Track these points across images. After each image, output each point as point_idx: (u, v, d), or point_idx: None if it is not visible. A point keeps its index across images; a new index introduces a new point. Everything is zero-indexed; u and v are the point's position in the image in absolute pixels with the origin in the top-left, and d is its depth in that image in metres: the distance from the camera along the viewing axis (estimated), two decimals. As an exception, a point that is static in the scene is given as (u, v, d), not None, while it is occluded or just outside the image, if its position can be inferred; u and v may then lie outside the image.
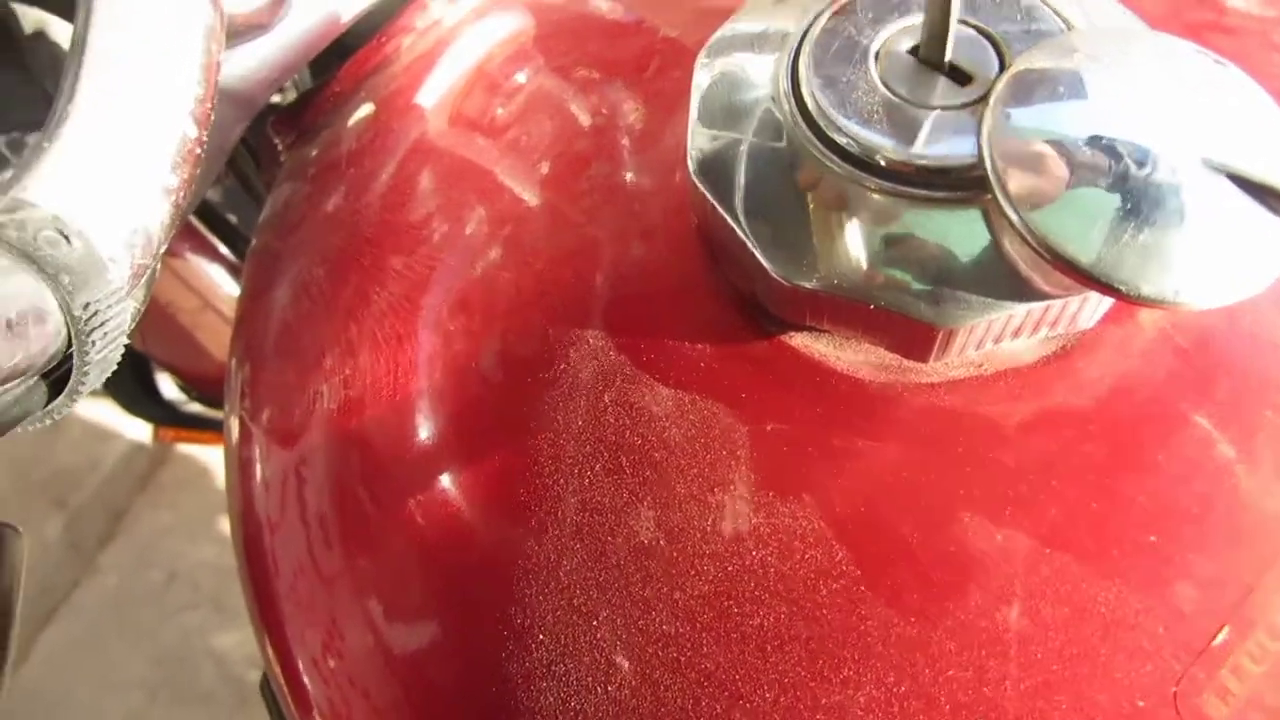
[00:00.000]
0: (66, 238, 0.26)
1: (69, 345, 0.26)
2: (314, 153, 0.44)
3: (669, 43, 0.39)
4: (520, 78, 0.42)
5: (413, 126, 0.41)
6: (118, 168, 0.28)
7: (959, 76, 0.26)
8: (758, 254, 0.26)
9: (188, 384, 0.79)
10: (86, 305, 0.26)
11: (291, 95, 0.53)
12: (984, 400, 0.27)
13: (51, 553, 1.57)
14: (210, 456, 1.63)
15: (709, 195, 0.27)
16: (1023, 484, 0.26)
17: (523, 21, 0.44)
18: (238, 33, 0.40)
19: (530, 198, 0.35)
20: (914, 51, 0.27)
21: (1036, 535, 0.25)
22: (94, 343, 0.26)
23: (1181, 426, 0.26)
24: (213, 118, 0.33)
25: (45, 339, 0.25)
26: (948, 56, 0.26)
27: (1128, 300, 0.22)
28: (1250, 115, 0.24)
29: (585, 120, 0.38)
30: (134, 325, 0.31)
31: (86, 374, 0.27)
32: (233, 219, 0.69)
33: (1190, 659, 0.24)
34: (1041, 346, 0.27)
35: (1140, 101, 0.24)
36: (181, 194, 0.31)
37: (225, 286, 0.65)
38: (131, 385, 0.79)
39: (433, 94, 0.43)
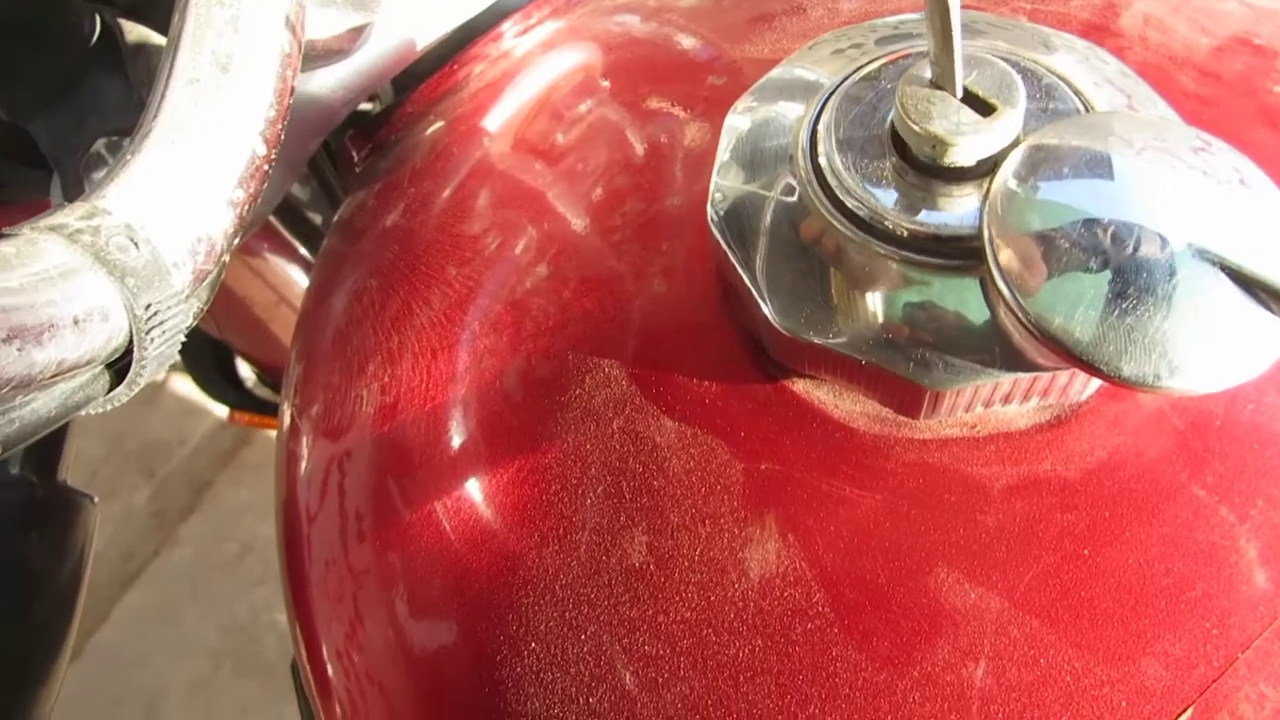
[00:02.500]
0: (135, 244, 0.29)
1: (131, 341, 0.29)
2: (382, 167, 0.47)
3: (739, 80, 0.40)
4: (582, 108, 0.43)
5: (474, 150, 0.44)
6: (189, 182, 0.31)
7: (979, 106, 0.26)
8: (762, 303, 0.28)
9: (263, 371, 0.84)
10: (148, 306, 0.29)
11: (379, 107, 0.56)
12: (973, 461, 0.28)
13: (137, 520, 1.65)
14: (290, 439, 1.69)
15: (722, 240, 0.29)
16: (1002, 546, 0.27)
17: (592, 54, 0.46)
18: (318, 56, 0.43)
19: (572, 226, 0.37)
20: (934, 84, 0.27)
21: (1010, 597, 0.26)
22: (153, 340, 0.29)
23: (1167, 506, 0.27)
24: (284, 136, 0.36)
25: (108, 335, 0.28)
26: (959, 80, 0.26)
27: (1109, 380, 0.23)
28: (1262, 217, 0.24)
29: (636, 153, 0.39)
30: (197, 322, 0.34)
31: (144, 367, 0.30)
32: (316, 219, 0.73)
33: (1151, 735, 0.25)
34: (1036, 414, 0.28)
35: (1152, 188, 0.25)
36: (247, 206, 0.33)
37: (300, 283, 0.68)
38: (212, 370, 0.84)
39: (497, 120, 0.45)
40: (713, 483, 0.29)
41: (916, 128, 0.26)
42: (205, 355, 0.83)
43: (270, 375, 0.84)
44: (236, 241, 0.34)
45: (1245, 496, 0.27)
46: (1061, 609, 0.26)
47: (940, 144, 0.26)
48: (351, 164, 0.51)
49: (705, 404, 0.30)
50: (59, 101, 0.46)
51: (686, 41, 0.45)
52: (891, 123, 0.28)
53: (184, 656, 1.53)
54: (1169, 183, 0.25)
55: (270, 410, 0.88)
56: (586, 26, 0.48)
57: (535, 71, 0.47)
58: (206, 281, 0.32)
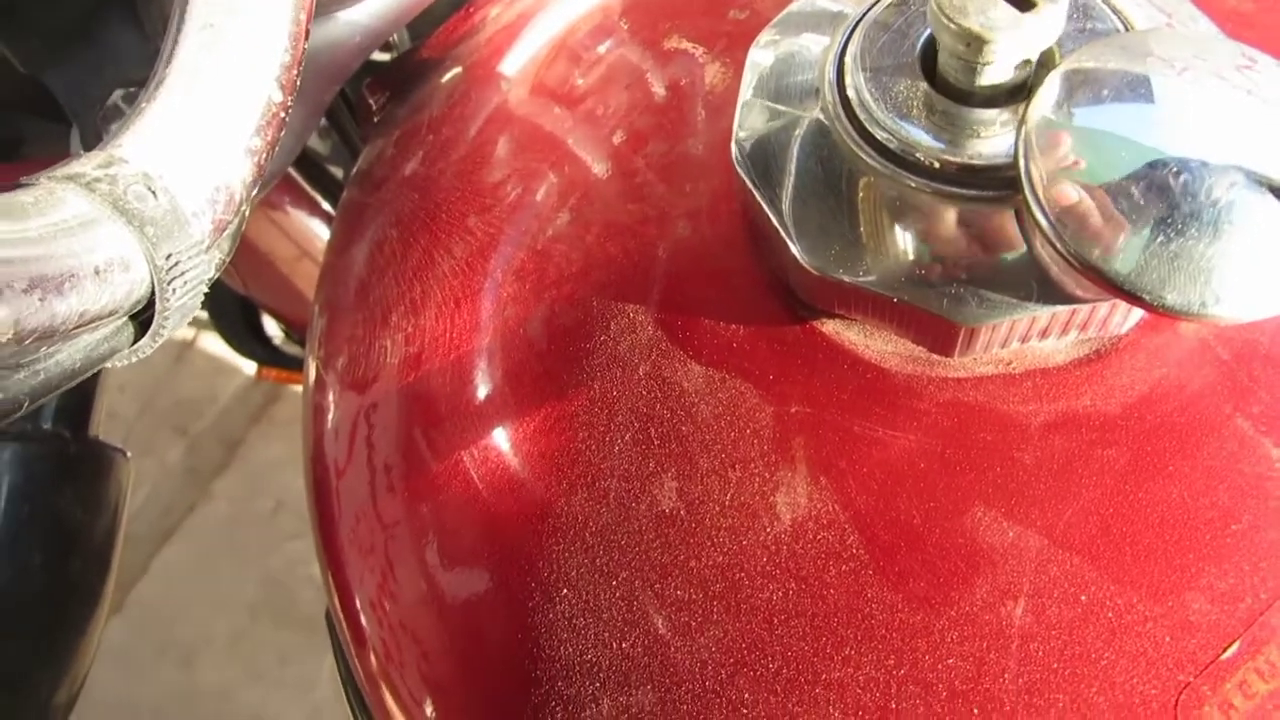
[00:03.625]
0: (154, 193, 0.29)
1: (153, 291, 0.28)
2: (400, 115, 0.46)
3: (760, 14, 0.39)
4: (601, 50, 0.42)
5: (493, 95, 0.43)
6: (205, 130, 0.31)
7: (1020, 4, 0.24)
8: (789, 241, 0.27)
9: (289, 327, 0.84)
10: (168, 256, 0.28)
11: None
12: (1009, 398, 0.27)
13: (172, 476, 1.68)
14: (319, 396, 1.71)
15: (747, 179, 0.28)
16: (1040, 483, 0.26)
17: (610, -8, 0.45)
18: (333, 0, 0.42)
19: (593, 171, 0.36)
20: None
21: (1049, 534, 0.26)
22: (174, 290, 0.29)
23: (1211, 439, 0.26)
24: (299, 83, 0.35)
25: (130, 285, 0.27)
26: None
27: (1152, 310, 0.22)
28: None
29: (657, 94, 0.38)
30: (220, 274, 0.33)
31: (167, 318, 0.29)
32: (337, 172, 0.73)
33: (1196, 671, 0.24)
34: (1074, 349, 0.27)
35: (1195, 110, 0.23)
36: (265, 155, 0.33)
37: (322, 237, 0.68)
38: (239, 326, 0.84)
39: (515, 64, 0.44)
40: (742, 427, 0.28)
41: (952, 25, 0.24)
42: (232, 312, 0.83)
43: (295, 331, 0.84)
44: (256, 192, 0.33)
45: (1291, 429, 0.26)
46: (1103, 545, 0.25)
47: (976, 40, 0.24)
48: (369, 113, 0.50)
49: (733, 348, 0.29)
50: (73, 51, 0.45)
51: None
52: (922, 48, 0.27)
53: (222, 609, 1.56)
54: (1213, 103, 0.23)
55: (297, 366, 0.88)
56: (604, -37, 0.47)
57: (552, 12, 0.46)
58: (227, 232, 0.32)
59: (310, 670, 1.49)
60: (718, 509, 0.28)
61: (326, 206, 0.70)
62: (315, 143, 0.70)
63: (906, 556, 0.26)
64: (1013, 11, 0.24)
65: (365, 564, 0.37)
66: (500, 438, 0.32)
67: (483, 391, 0.33)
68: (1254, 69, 0.24)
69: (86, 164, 0.28)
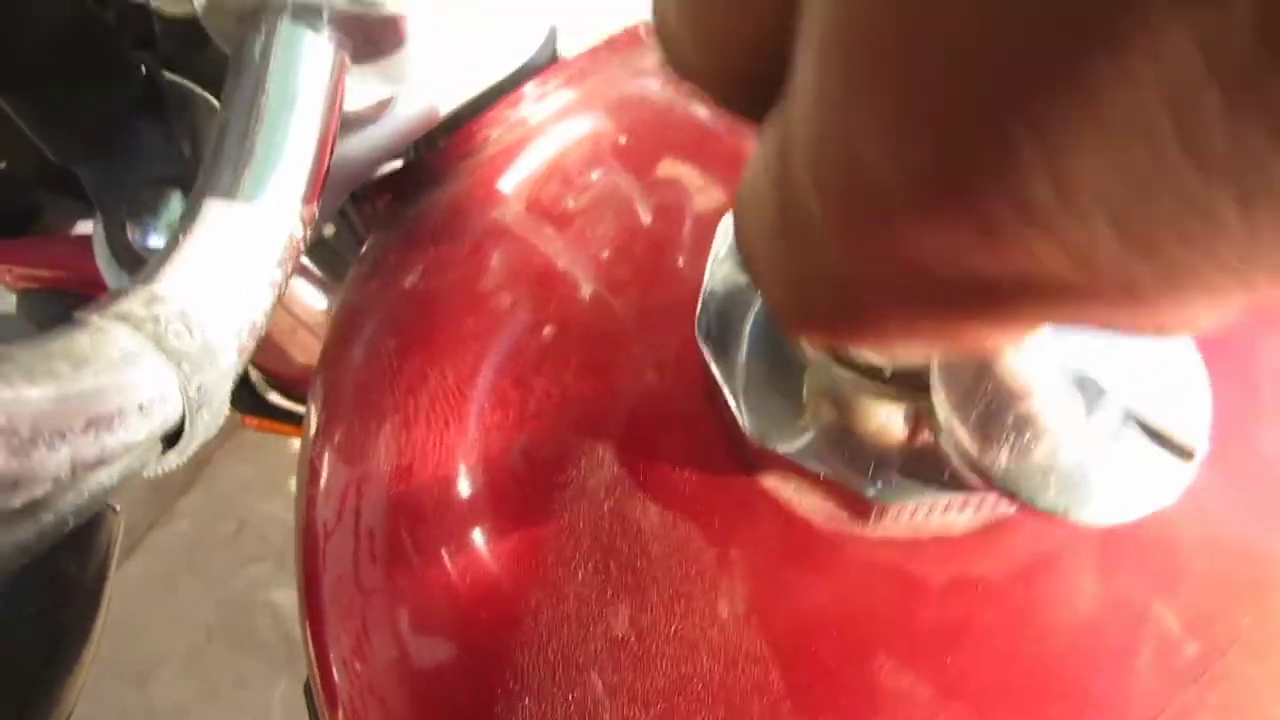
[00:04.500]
0: (190, 330, 0.33)
1: (184, 417, 0.32)
2: (404, 219, 0.51)
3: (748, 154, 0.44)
4: (594, 176, 0.47)
5: (490, 212, 0.47)
6: (235, 267, 0.35)
7: None
8: (737, 413, 0.32)
9: (273, 380, 0.88)
10: (199, 387, 0.32)
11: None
12: (914, 560, 0.32)
13: (136, 492, 1.69)
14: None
15: (703, 343, 0.33)
16: (935, 638, 0.31)
17: (606, 122, 0.50)
18: (348, 125, 0.46)
19: (576, 303, 0.41)
20: None
21: (939, 684, 0.30)
22: (203, 415, 0.33)
23: (1079, 607, 0.31)
24: (317, 214, 0.39)
25: (165, 415, 0.31)
26: None
27: (1028, 508, 0.27)
28: (1170, 372, 0.28)
29: (644, 230, 0.43)
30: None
31: (194, 439, 0.33)
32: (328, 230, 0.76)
33: (1055, 813, 0.29)
34: (972, 521, 0.32)
35: (1073, 345, 0.29)
36: (284, 284, 0.37)
37: (314, 305, 0.72)
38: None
39: (511, 183, 0.49)
40: (688, 566, 0.33)
41: None
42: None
43: (281, 385, 0.88)
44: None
45: (1146, 595, 0.31)
46: (985, 697, 0.30)
47: None
48: (374, 208, 0.55)
49: (685, 493, 0.34)
50: (104, 149, 0.49)
51: (702, 112, 0.48)
52: None
53: (180, 628, 1.58)
54: (1091, 341, 0.29)
55: (282, 416, 0.92)
56: (602, 94, 0.51)
57: (550, 136, 0.50)
58: (246, 354, 0.36)
59: (265, 694, 1.50)
60: (663, 638, 0.32)
61: (318, 273, 0.74)
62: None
63: (820, 693, 0.31)
64: None
65: (342, 626, 0.41)
66: (479, 556, 0.36)
67: (467, 509, 0.37)
68: None
69: (132, 302, 0.32)
